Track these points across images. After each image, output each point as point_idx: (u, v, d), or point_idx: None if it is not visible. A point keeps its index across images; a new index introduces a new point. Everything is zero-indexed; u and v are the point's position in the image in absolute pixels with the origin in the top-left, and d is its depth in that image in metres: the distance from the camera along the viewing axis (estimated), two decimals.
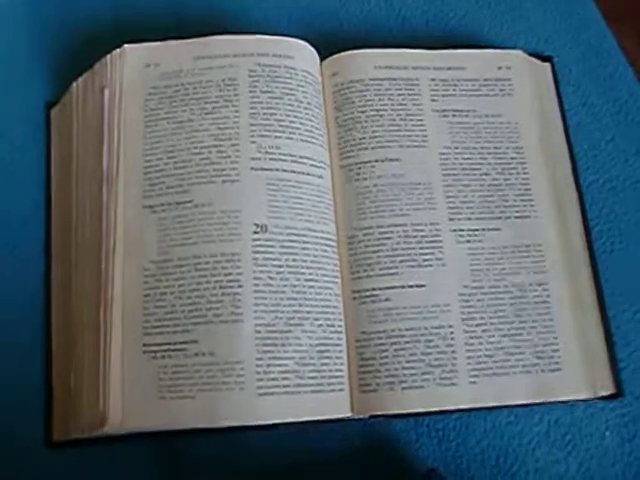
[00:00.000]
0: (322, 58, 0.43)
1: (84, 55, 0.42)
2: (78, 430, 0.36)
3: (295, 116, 0.40)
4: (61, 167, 0.42)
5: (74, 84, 0.42)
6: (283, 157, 0.39)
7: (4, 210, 0.43)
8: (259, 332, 0.35)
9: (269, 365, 0.35)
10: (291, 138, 0.39)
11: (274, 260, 0.37)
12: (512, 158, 0.42)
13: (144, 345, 0.36)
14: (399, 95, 0.43)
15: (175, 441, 0.38)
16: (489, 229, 0.40)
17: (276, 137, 0.39)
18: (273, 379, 0.35)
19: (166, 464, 0.38)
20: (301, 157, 0.39)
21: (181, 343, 0.35)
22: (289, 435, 0.38)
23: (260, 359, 0.35)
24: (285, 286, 0.37)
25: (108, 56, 0.41)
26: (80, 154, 0.41)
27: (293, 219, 0.38)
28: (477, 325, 0.38)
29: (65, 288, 0.39)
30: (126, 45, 0.41)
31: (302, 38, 0.42)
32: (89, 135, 0.40)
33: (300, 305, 0.37)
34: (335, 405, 0.37)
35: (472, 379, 0.37)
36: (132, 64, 0.41)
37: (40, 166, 0.43)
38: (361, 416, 0.37)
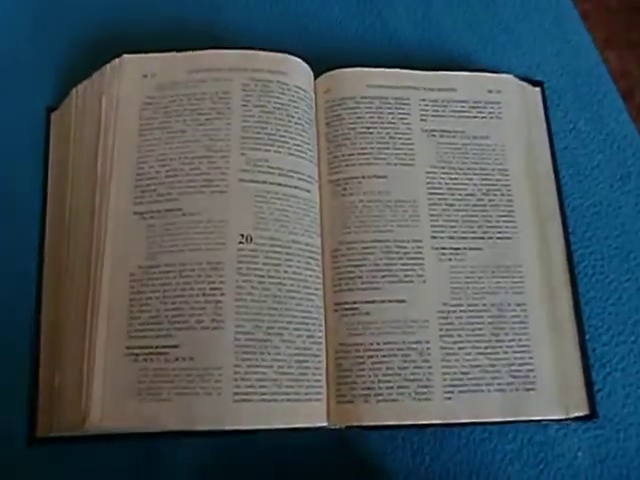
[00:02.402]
0: (317, 74, 0.44)
1: (85, 62, 0.44)
2: (60, 427, 0.37)
3: (286, 131, 0.41)
4: (58, 169, 0.43)
5: (74, 90, 0.44)
6: (272, 170, 0.40)
7: (1, 208, 0.44)
8: (239, 340, 0.36)
9: (247, 372, 0.36)
10: (280, 152, 0.40)
11: (257, 270, 0.38)
12: (497, 180, 0.43)
13: (127, 347, 0.37)
14: (389, 114, 0.44)
15: (153, 443, 0.39)
16: (471, 248, 0.41)
17: (266, 150, 0.40)
18: (250, 386, 0.36)
19: (144, 465, 0.39)
20: (289, 171, 0.40)
21: (163, 347, 0.36)
22: (265, 442, 0.39)
23: (238, 366, 0.36)
24: (267, 296, 0.37)
25: (107, 65, 0.42)
26: (76, 158, 0.42)
27: (278, 231, 0.39)
28: (454, 342, 0.39)
29: (55, 287, 0.40)
30: (125, 55, 0.42)
31: (298, 54, 0.43)
32: (85, 140, 0.41)
33: (281, 315, 0.37)
34: (311, 414, 0.38)
35: (447, 395, 0.38)
36: (130, 74, 0.42)
37: (39, 167, 0.44)
38: (337, 426, 0.38)
